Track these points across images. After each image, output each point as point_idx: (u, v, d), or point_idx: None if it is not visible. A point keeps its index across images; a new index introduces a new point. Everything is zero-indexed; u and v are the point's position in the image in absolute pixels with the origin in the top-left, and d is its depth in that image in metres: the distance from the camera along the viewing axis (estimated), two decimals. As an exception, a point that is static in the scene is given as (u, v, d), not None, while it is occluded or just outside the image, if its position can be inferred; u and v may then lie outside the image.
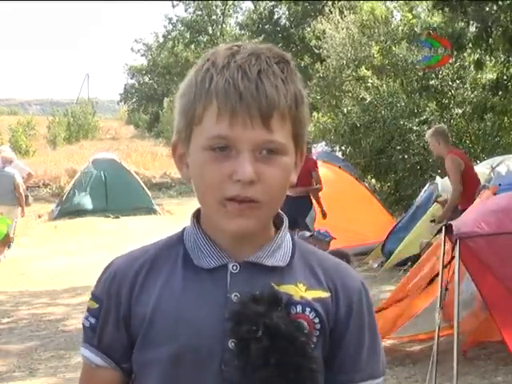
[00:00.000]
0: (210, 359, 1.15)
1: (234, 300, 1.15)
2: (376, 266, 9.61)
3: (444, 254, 4.56)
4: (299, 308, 1.18)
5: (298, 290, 1.19)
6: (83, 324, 1.25)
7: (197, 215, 1.26)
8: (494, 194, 5.61)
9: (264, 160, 1.12)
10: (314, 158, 12.25)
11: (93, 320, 1.23)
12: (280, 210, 1.25)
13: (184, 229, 1.26)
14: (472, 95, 11.94)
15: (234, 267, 1.19)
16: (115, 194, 15.65)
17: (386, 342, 5.82)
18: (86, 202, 15.52)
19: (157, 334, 1.17)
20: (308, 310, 1.18)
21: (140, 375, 1.22)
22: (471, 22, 9.70)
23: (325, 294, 1.21)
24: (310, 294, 1.20)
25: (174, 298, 1.18)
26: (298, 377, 1.11)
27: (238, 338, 1.11)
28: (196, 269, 1.19)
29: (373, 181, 14.47)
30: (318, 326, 1.19)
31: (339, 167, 11.41)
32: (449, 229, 4.49)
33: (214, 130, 1.11)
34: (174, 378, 1.17)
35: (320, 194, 9.04)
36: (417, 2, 13.10)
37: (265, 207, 1.14)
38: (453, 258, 4.73)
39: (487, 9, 8.98)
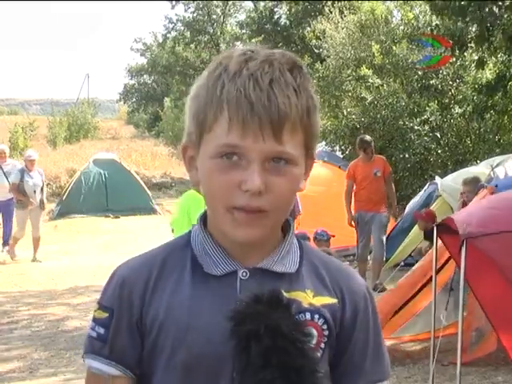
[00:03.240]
0: (222, 367, 1.14)
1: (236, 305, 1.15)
2: (376, 265, 9.60)
3: (437, 254, 4.57)
4: (308, 315, 1.18)
5: (307, 297, 1.19)
6: (89, 335, 1.22)
7: (204, 218, 1.24)
8: (492, 194, 5.60)
9: (273, 171, 1.11)
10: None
11: (102, 330, 1.20)
12: None
13: (190, 232, 1.25)
14: (474, 93, 11.92)
15: (244, 274, 1.18)
16: (115, 193, 15.66)
17: (386, 342, 5.83)
18: (86, 201, 15.52)
19: (168, 342, 1.16)
20: (317, 316, 1.19)
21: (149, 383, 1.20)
22: (470, 24, 9.70)
23: (332, 300, 1.21)
24: (319, 301, 1.20)
25: (184, 306, 1.16)
26: (300, 378, 1.10)
27: (239, 338, 1.10)
28: (205, 275, 1.18)
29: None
30: (327, 333, 1.19)
31: (339, 167, 11.42)
32: (440, 229, 4.48)
33: (225, 139, 1.10)
34: None
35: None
36: (417, 1, 13.09)
37: (272, 216, 1.13)
38: (449, 258, 4.73)
39: (487, 10, 8.96)
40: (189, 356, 1.15)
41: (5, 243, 11.31)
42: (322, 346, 1.19)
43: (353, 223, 8.50)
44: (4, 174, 11.10)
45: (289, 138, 1.11)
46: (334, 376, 1.23)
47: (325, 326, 1.19)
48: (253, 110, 1.08)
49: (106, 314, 1.20)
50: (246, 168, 1.10)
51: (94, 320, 1.22)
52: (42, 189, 10.66)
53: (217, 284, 1.17)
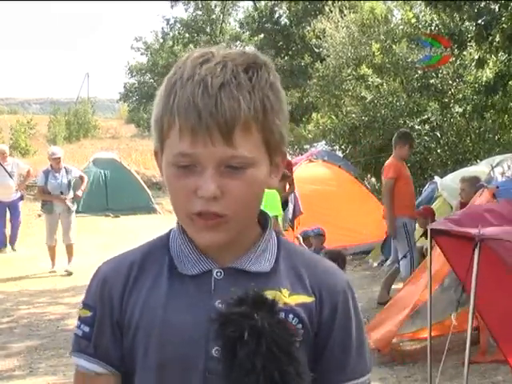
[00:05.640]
0: (195, 366, 1.15)
1: (219, 308, 1.15)
2: (376, 265, 9.62)
3: (431, 257, 4.57)
4: (282, 315, 1.17)
5: (282, 296, 1.18)
6: (75, 333, 1.24)
7: None
8: (493, 195, 5.61)
9: (229, 174, 1.11)
10: (314, 156, 12.28)
11: (86, 328, 1.22)
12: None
13: (171, 230, 1.26)
14: (473, 93, 11.93)
15: (219, 273, 1.18)
16: (115, 193, 15.66)
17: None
18: (86, 201, 15.50)
19: (144, 341, 1.18)
20: (291, 316, 1.17)
21: (128, 381, 1.22)
22: (466, 20, 9.72)
23: (308, 299, 1.20)
24: (294, 300, 1.19)
25: (159, 305, 1.17)
26: (284, 380, 1.10)
27: (224, 341, 1.10)
28: (181, 275, 1.19)
29: (373, 179, 14.49)
30: (301, 332, 1.18)
31: (339, 166, 11.43)
32: (436, 231, 4.49)
33: (178, 148, 1.12)
34: None
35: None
36: (416, 1, 13.08)
37: (232, 220, 1.13)
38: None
39: (482, 4, 8.98)
40: (163, 354, 1.16)
41: (12, 242, 11.30)
42: (297, 345, 1.17)
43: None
44: (8, 173, 11.05)
45: (242, 140, 1.10)
46: (316, 372, 1.21)
47: (299, 326, 1.18)
48: (200, 119, 1.08)
49: (90, 313, 1.22)
50: (201, 174, 1.11)
51: (80, 319, 1.24)
52: (68, 188, 9.70)
53: (192, 283, 1.18)
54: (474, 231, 4.00)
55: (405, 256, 6.93)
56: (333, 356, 1.21)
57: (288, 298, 1.19)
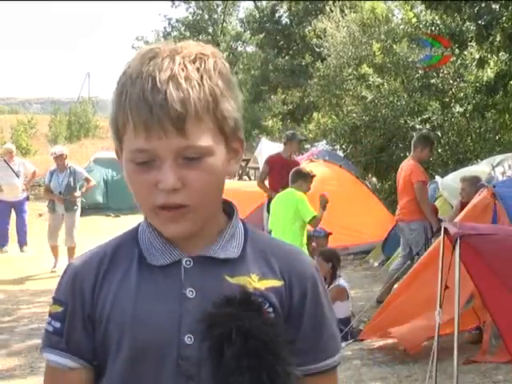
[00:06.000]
0: (168, 355, 1.17)
1: (189, 296, 1.18)
2: (377, 264, 9.62)
3: (443, 254, 4.57)
4: None
5: (251, 281, 1.20)
6: (46, 330, 1.25)
7: None
8: (491, 194, 5.61)
9: (186, 165, 1.13)
10: (315, 156, 12.27)
11: (58, 324, 1.23)
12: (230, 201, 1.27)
13: (139, 224, 1.29)
14: (474, 93, 11.93)
15: (188, 262, 1.20)
16: (116, 192, 15.64)
17: (387, 341, 5.83)
18: (87, 200, 15.50)
19: (115, 333, 1.19)
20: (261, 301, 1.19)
21: (100, 373, 1.23)
22: (467, 20, 9.72)
23: (278, 283, 1.22)
24: (263, 284, 1.20)
25: (129, 296, 1.19)
26: (272, 380, 1.10)
27: (212, 341, 1.11)
28: (150, 266, 1.21)
29: (374, 179, 14.50)
30: (272, 316, 1.19)
31: (340, 166, 11.42)
32: (447, 230, 4.50)
33: (134, 144, 1.13)
34: (134, 375, 1.19)
35: None
36: (416, 1, 13.07)
37: (196, 210, 1.15)
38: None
39: (483, 5, 8.98)
40: (135, 344, 1.18)
41: (22, 244, 11.26)
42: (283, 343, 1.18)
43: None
44: (15, 173, 11.00)
45: (195, 130, 1.12)
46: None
47: (270, 310, 1.19)
48: (152, 113, 1.10)
49: (61, 308, 1.23)
50: (159, 168, 1.13)
51: (50, 315, 1.25)
52: (68, 189, 9.53)
53: (162, 273, 1.20)
54: (453, 229, 4.06)
55: (417, 253, 6.97)
56: (304, 340, 1.22)
57: (257, 282, 1.20)
